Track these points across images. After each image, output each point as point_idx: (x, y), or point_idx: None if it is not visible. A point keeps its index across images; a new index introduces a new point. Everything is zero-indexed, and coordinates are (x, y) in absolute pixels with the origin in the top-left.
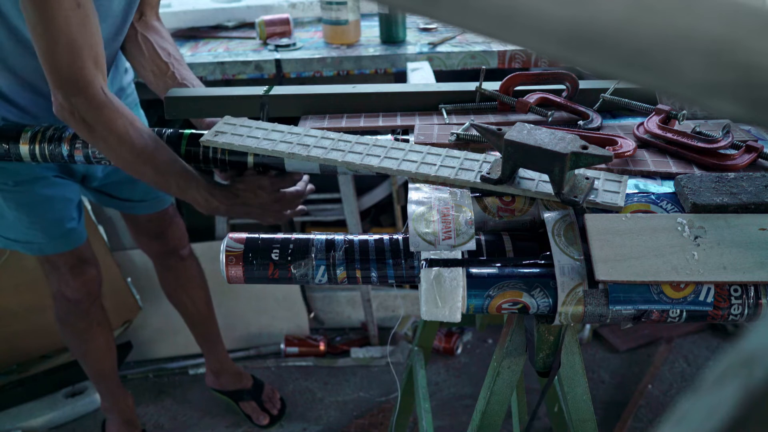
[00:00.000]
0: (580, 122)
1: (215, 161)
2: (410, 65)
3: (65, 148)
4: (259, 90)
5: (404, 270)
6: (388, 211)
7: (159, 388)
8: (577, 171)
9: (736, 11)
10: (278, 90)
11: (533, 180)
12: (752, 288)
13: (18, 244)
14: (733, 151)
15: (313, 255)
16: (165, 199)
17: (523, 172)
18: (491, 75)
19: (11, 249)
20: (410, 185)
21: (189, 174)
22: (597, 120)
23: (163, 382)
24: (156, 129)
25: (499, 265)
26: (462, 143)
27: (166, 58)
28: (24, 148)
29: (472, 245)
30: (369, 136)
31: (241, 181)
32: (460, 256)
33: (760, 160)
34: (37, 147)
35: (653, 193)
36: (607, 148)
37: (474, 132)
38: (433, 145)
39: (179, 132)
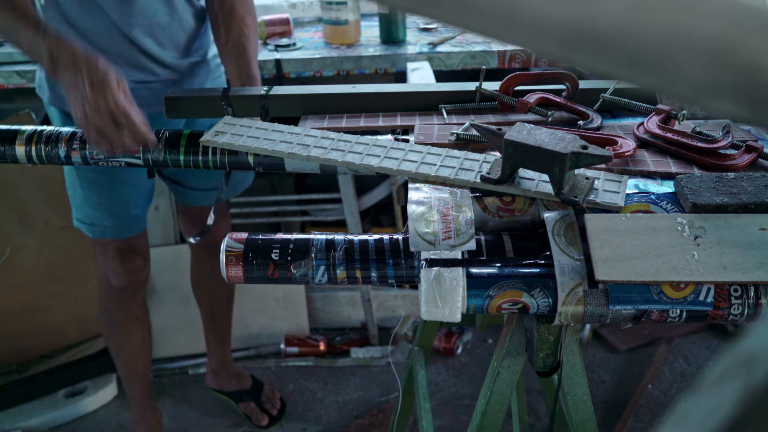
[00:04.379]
0: (580, 122)
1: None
2: (410, 65)
3: (62, 149)
4: (259, 90)
5: (404, 270)
6: (388, 211)
7: (159, 388)
8: (577, 171)
9: (736, 11)
10: (278, 90)
11: (533, 180)
12: (752, 288)
13: (84, 225)
14: (733, 151)
15: (313, 255)
16: (236, 188)
17: (523, 172)
18: (491, 75)
19: (79, 229)
20: (410, 185)
21: (40, 25)
22: (597, 120)
23: (163, 382)
24: (154, 130)
25: (499, 265)
26: (462, 143)
27: (224, 43)
28: (20, 150)
29: (472, 245)
30: (369, 136)
31: (102, 79)
32: (460, 256)
33: (760, 160)
34: (33, 148)
35: (653, 193)
36: (607, 148)
37: (474, 132)
38: (433, 145)
39: (179, 132)
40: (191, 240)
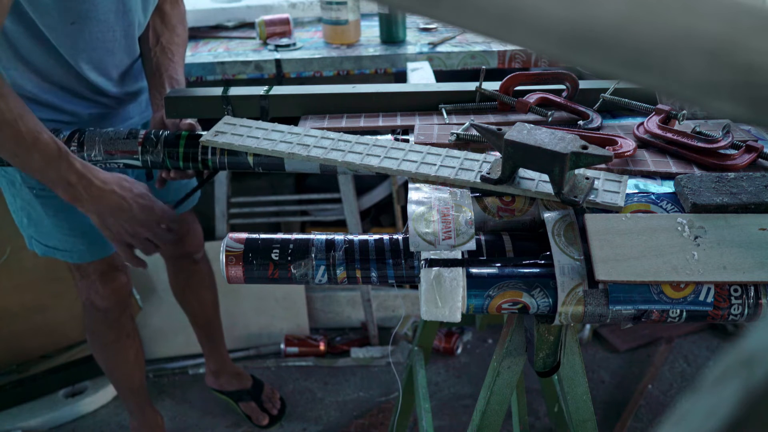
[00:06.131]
0: (580, 122)
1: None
2: (410, 65)
3: None
4: (259, 90)
5: (404, 270)
6: (388, 211)
7: (159, 388)
8: (577, 171)
9: (736, 11)
10: (278, 90)
11: (533, 180)
12: (752, 288)
13: (58, 252)
14: (733, 151)
15: (313, 255)
16: (192, 199)
17: (523, 172)
18: (491, 75)
19: (51, 256)
20: (410, 185)
21: (61, 151)
22: (597, 120)
23: (163, 382)
24: (153, 131)
25: (499, 265)
26: (462, 143)
27: (152, 45)
28: None
29: (472, 245)
30: (369, 136)
31: (140, 196)
32: (460, 256)
33: (760, 160)
34: None
35: (653, 193)
36: (607, 148)
37: (474, 132)
38: (433, 145)
39: (178, 132)
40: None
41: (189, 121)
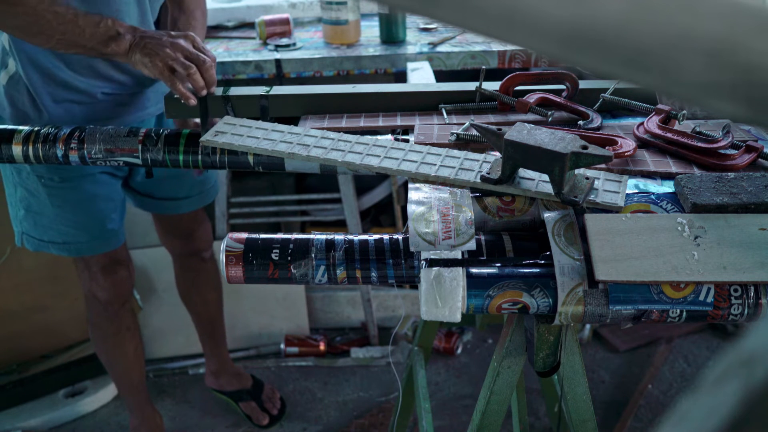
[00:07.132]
0: (580, 122)
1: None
2: (410, 65)
3: (60, 149)
4: (259, 90)
5: (404, 270)
6: (388, 211)
7: (159, 388)
8: (577, 171)
9: (736, 11)
10: (278, 90)
11: (533, 180)
12: (752, 288)
13: (54, 246)
14: (733, 151)
15: (313, 255)
16: (209, 194)
17: (523, 172)
18: (491, 75)
19: (44, 251)
20: (410, 185)
21: (101, 15)
22: (597, 120)
23: (163, 382)
24: (153, 129)
25: (499, 265)
26: (462, 143)
27: (174, 17)
28: (17, 149)
29: (472, 245)
30: (369, 136)
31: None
32: (460, 256)
33: (760, 160)
34: (30, 148)
35: (653, 193)
36: (607, 148)
37: (474, 132)
38: (433, 145)
39: (178, 131)
40: None
41: (197, 120)
